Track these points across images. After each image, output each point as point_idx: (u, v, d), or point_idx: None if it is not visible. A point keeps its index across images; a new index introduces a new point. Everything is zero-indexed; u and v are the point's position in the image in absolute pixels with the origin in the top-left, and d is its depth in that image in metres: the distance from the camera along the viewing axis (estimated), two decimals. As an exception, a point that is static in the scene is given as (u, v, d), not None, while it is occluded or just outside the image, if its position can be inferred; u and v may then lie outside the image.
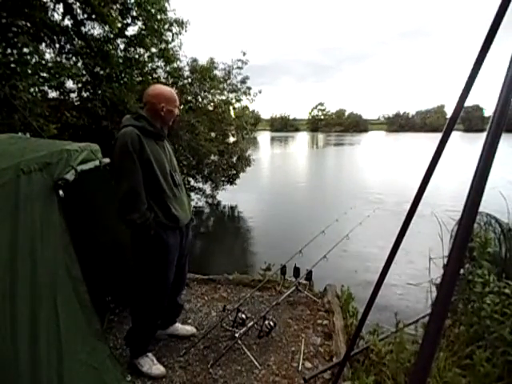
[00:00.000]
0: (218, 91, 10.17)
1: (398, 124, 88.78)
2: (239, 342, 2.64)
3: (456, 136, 45.81)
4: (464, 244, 0.69)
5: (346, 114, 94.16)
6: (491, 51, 1.09)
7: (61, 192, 1.82)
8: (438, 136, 1.25)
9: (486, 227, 4.09)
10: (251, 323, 2.79)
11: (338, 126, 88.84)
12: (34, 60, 5.23)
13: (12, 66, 4.66)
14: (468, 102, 1.25)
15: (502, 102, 0.72)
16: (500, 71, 0.75)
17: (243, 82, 10.60)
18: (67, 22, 6.98)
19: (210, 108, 10.22)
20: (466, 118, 72.98)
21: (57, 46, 6.95)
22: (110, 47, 7.47)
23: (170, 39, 8.50)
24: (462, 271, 2.88)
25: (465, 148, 28.19)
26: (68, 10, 6.82)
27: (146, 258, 2.18)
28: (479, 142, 0.75)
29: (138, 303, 2.32)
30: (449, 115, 1.24)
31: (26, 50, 5.03)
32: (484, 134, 0.73)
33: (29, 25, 5.87)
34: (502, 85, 0.73)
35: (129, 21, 7.68)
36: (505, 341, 2.09)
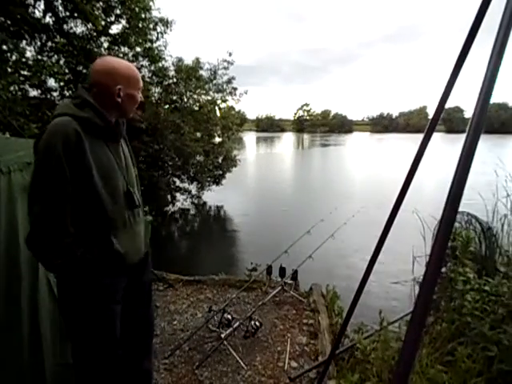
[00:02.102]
0: (204, 91, 10.12)
1: (382, 125, 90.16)
2: (225, 342, 2.64)
3: (437, 137, 46.79)
4: (444, 243, 0.70)
5: (332, 114, 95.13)
6: (473, 54, 1.12)
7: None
8: (421, 137, 1.27)
9: (466, 226, 4.19)
10: (237, 324, 2.79)
11: (324, 126, 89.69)
12: (13, 57, 5.11)
13: (-9, 63, 4.54)
14: (449, 104, 1.28)
15: (480, 104, 0.74)
16: (480, 74, 0.77)
17: (229, 82, 10.58)
18: (48, 19, 6.85)
19: (196, 108, 10.16)
20: (447, 119, 74.65)
21: (38, 43, 6.81)
22: (93, 45, 7.36)
23: (154, 38, 8.43)
24: (444, 269, 2.94)
25: (446, 149, 28.79)
26: (49, 7, 6.69)
27: (76, 312, 1.47)
28: (459, 143, 0.76)
29: (80, 375, 1.55)
30: (431, 116, 1.27)
31: (5, 47, 4.91)
32: (464, 135, 0.75)
33: (8, 22, 5.73)
34: (480, 87, 0.74)
35: (112, 19, 7.58)
36: (485, 337, 2.14)
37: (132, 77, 1.52)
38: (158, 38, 8.51)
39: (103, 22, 7.07)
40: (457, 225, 4.11)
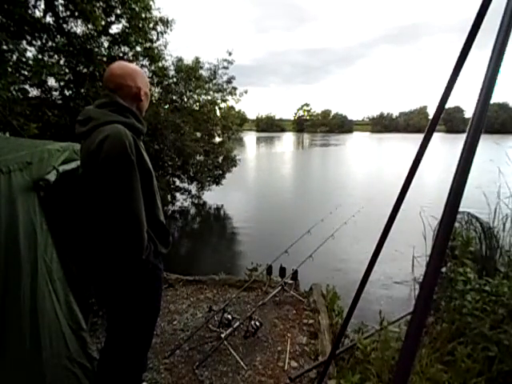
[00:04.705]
0: (204, 91, 10.13)
1: (382, 125, 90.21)
2: (225, 342, 2.64)
3: (437, 137, 46.79)
4: (444, 243, 0.70)
5: (332, 114, 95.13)
6: (473, 54, 1.12)
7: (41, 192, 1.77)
8: (421, 137, 1.27)
9: (467, 226, 4.18)
10: (237, 324, 2.79)
11: (324, 126, 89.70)
12: (14, 57, 5.10)
13: (-9, 63, 4.53)
14: (450, 104, 1.28)
15: (480, 104, 0.74)
16: (480, 74, 0.77)
17: (229, 82, 10.59)
18: (49, 18, 6.84)
19: (196, 108, 10.17)
20: (447, 120, 74.72)
21: (38, 43, 6.80)
22: (94, 45, 7.35)
23: (154, 38, 8.42)
24: (444, 269, 2.94)
25: (446, 149, 28.78)
26: (50, 7, 6.68)
27: (140, 299, 1.62)
28: (460, 142, 0.76)
29: (120, 362, 1.74)
30: (431, 116, 1.27)
31: (5, 47, 4.90)
32: (465, 135, 0.75)
33: (9, 21, 5.72)
34: (480, 87, 0.74)
35: (112, 19, 7.57)
36: (485, 337, 2.14)
37: (145, 77, 1.69)
38: (158, 38, 8.50)
39: (103, 22, 7.05)
40: (457, 225, 4.11)
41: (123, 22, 7.72)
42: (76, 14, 6.72)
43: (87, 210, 1.56)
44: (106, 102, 1.53)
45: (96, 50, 7.36)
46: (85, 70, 7.24)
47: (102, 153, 1.37)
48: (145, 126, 1.63)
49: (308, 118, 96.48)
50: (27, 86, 5.80)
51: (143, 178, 1.47)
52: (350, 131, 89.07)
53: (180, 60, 9.64)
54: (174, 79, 9.53)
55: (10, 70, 4.76)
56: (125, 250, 1.46)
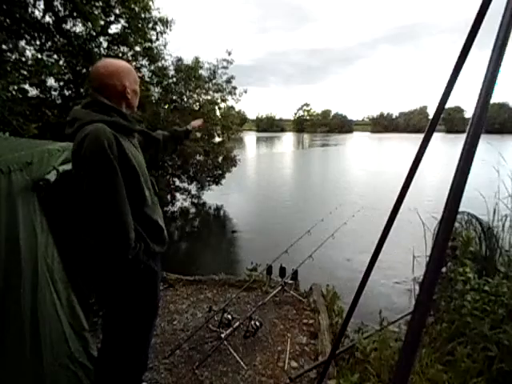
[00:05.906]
0: (204, 91, 10.13)
1: (382, 125, 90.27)
2: (225, 342, 2.64)
3: (437, 137, 46.78)
4: (444, 243, 0.70)
5: (332, 114, 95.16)
6: (473, 54, 1.12)
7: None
8: (421, 137, 1.27)
9: (467, 226, 4.18)
10: (237, 324, 2.78)
11: (324, 126, 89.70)
12: (13, 57, 5.11)
13: (-10, 63, 4.53)
14: (450, 104, 1.28)
15: (480, 104, 0.74)
16: (480, 74, 0.77)
17: (228, 81, 10.59)
18: (48, 18, 6.84)
19: (196, 108, 10.16)
20: (447, 119, 74.74)
21: (37, 43, 6.80)
22: (93, 45, 7.35)
23: (154, 38, 8.43)
24: (444, 269, 2.93)
25: (445, 149, 28.79)
26: (49, 7, 6.68)
27: (133, 299, 1.61)
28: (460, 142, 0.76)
29: (116, 362, 1.73)
30: (431, 116, 1.27)
31: (4, 46, 4.91)
32: (465, 135, 0.75)
33: (8, 21, 5.72)
34: (480, 87, 0.74)
35: (112, 19, 7.58)
36: (485, 337, 2.14)
37: (133, 73, 1.64)
38: (157, 38, 8.51)
39: (102, 22, 7.05)
40: (457, 225, 4.11)
41: (122, 21, 7.74)
42: (75, 13, 6.72)
43: (79, 210, 1.55)
44: (90, 101, 1.53)
45: (95, 49, 7.36)
46: (84, 70, 7.24)
47: (81, 151, 1.38)
48: (134, 124, 1.61)
49: (308, 118, 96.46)
50: (27, 86, 5.81)
51: (128, 175, 1.45)
52: (350, 131, 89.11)
53: (180, 60, 9.64)
54: (174, 79, 9.53)
55: (9, 69, 4.76)
56: (110, 250, 1.45)
